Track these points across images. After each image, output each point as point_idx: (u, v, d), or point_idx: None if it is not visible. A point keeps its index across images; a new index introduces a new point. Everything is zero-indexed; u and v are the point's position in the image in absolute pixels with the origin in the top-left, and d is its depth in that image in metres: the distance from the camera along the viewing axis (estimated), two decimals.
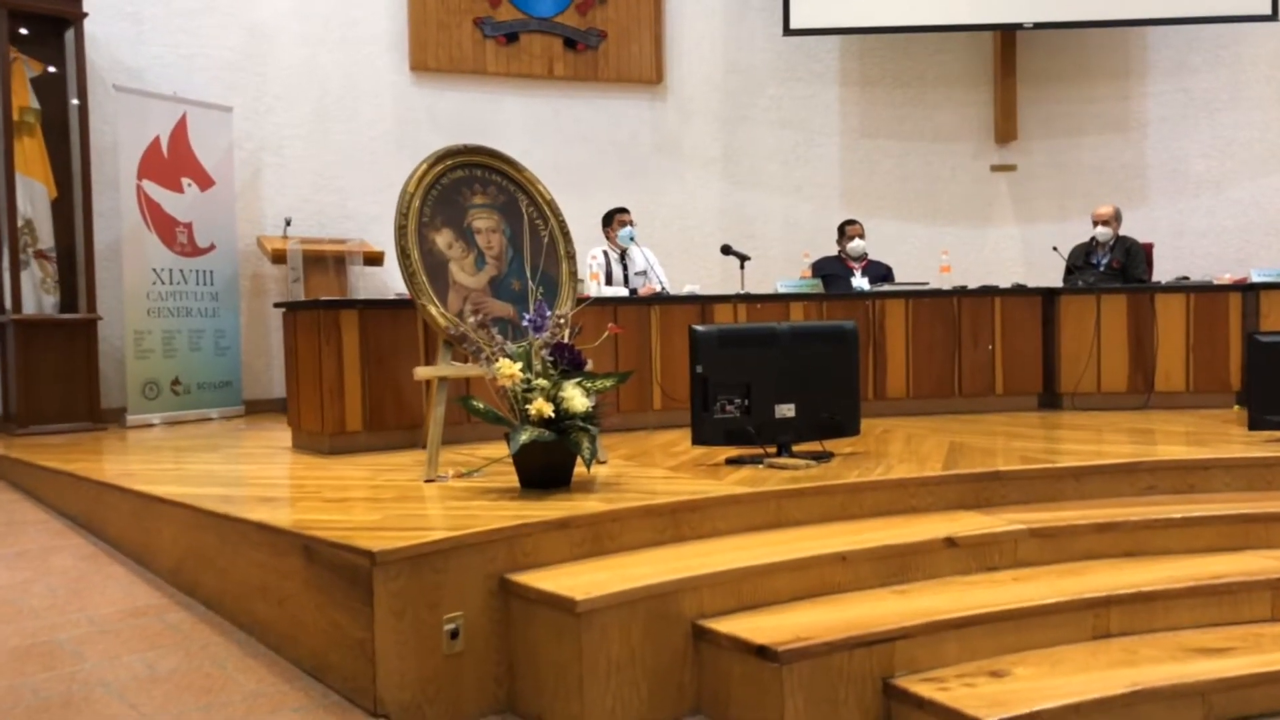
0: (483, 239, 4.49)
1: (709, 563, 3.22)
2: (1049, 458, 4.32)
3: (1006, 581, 3.51)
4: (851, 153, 8.97)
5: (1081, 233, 7.37)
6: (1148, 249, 7.21)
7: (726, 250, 6.54)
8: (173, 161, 6.82)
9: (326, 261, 6.94)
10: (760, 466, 4.25)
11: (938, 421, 5.90)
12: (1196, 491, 4.18)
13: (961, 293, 6.37)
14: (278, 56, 7.63)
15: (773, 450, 4.40)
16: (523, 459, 3.84)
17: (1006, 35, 8.73)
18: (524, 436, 3.62)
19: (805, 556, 3.32)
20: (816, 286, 6.25)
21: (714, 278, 8.32)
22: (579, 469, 3.83)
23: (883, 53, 8.97)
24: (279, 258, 7.08)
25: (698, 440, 4.33)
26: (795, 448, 4.45)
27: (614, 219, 6.60)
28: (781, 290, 6.20)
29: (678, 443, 5.08)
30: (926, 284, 6.48)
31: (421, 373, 4.14)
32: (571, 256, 4.68)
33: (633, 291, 6.37)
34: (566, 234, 4.70)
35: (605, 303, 5.84)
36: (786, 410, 4.40)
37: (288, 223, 7.31)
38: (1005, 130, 8.89)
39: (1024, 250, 9.04)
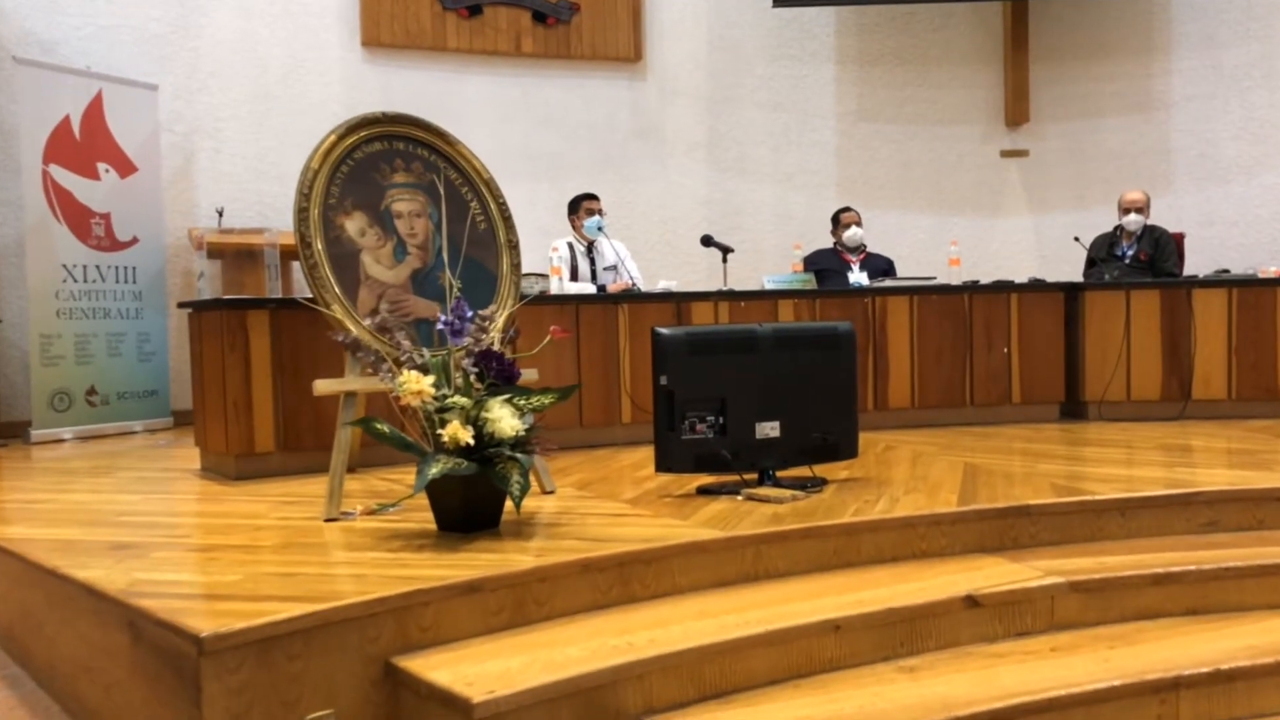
0: (404, 224, 3.75)
1: (662, 638, 2.48)
2: (1085, 486, 3.57)
3: (1043, 652, 2.77)
4: (848, 138, 8.26)
5: (1101, 223, 6.66)
6: (1178, 239, 6.47)
7: (707, 241, 5.80)
8: (86, 144, 6.07)
9: (260, 256, 6.19)
10: (738, 498, 3.51)
11: (947, 436, 5.15)
12: (1267, 528, 3.45)
13: (973, 289, 5.63)
14: (211, 30, 6.89)
15: (753, 478, 3.66)
16: (437, 496, 3.10)
17: (1017, 8, 8.04)
18: (434, 469, 2.88)
19: (788, 626, 2.58)
20: (809, 282, 5.51)
21: (698, 274, 7.61)
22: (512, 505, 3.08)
23: (882, 28, 8.26)
24: (210, 252, 6.33)
25: (662, 467, 3.59)
26: (781, 474, 3.72)
27: (580, 207, 5.86)
28: (769, 286, 5.46)
29: (646, 464, 4.32)
30: (933, 279, 5.74)
31: (321, 387, 3.40)
32: (514, 246, 3.93)
33: (601, 288, 5.63)
34: (508, 219, 3.96)
35: (567, 301, 5.10)
36: (770, 430, 3.67)
37: (220, 213, 6.56)
38: (1016, 112, 8.20)
39: (1037, 243, 8.32)
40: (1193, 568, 3.07)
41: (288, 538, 3.07)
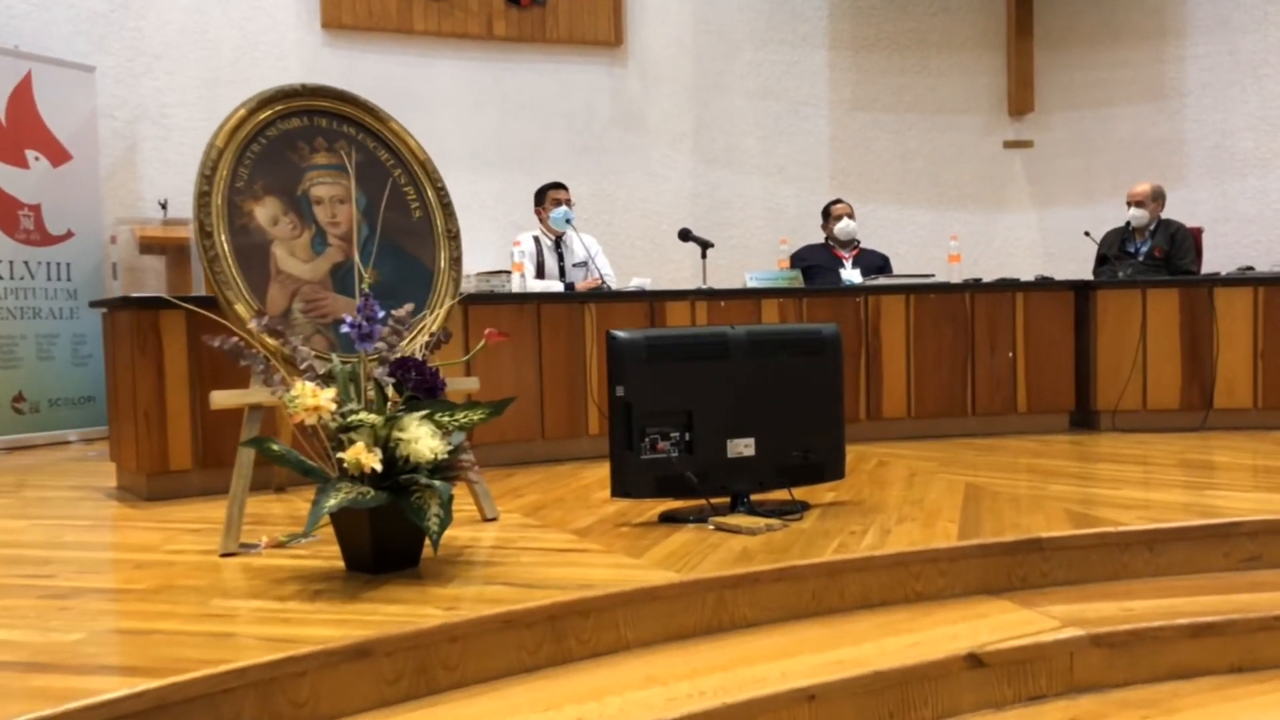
0: (324, 212, 3.28)
1: (594, 715, 2.01)
2: (1104, 514, 3.10)
3: None
4: (843, 128, 7.79)
5: (1110, 218, 6.19)
6: (1196, 235, 6.00)
7: (685, 236, 5.33)
8: (13, 130, 5.60)
9: None
10: (707, 527, 3.04)
11: (947, 449, 4.68)
12: None
13: (975, 287, 5.16)
14: (157, 9, 6.41)
15: (724, 503, 3.19)
16: (343, 531, 2.63)
17: None
18: (331, 502, 2.41)
19: (753, 698, 2.11)
20: (796, 280, 5.04)
21: (682, 272, 7.14)
22: (447, 535, 2.59)
23: (879, 11, 7.79)
24: (149, 247, 5.87)
25: (618, 491, 3.12)
26: (756, 498, 3.25)
27: (545, 197, 5.38)
28: (752, 284, 4.98)
29: (608, 483, 3.86)
30: (931, 276, 5.27)
31: (219, 399, 2.93)
32: (454, 237, 3.46)
33: (569, 286, 5.16)
34: (448, 207, 3.48)
35: (527, 300, 4.63)
36: (743, 448, 3.19)
37: (164, 205, 6.09)
38: (1021, 101, 7.75)
39: (1042, 239, 7.85)
40: (1237, 616, 2.60)
41: (169, 578, 2.60)
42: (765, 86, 7.70)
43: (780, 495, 3.30)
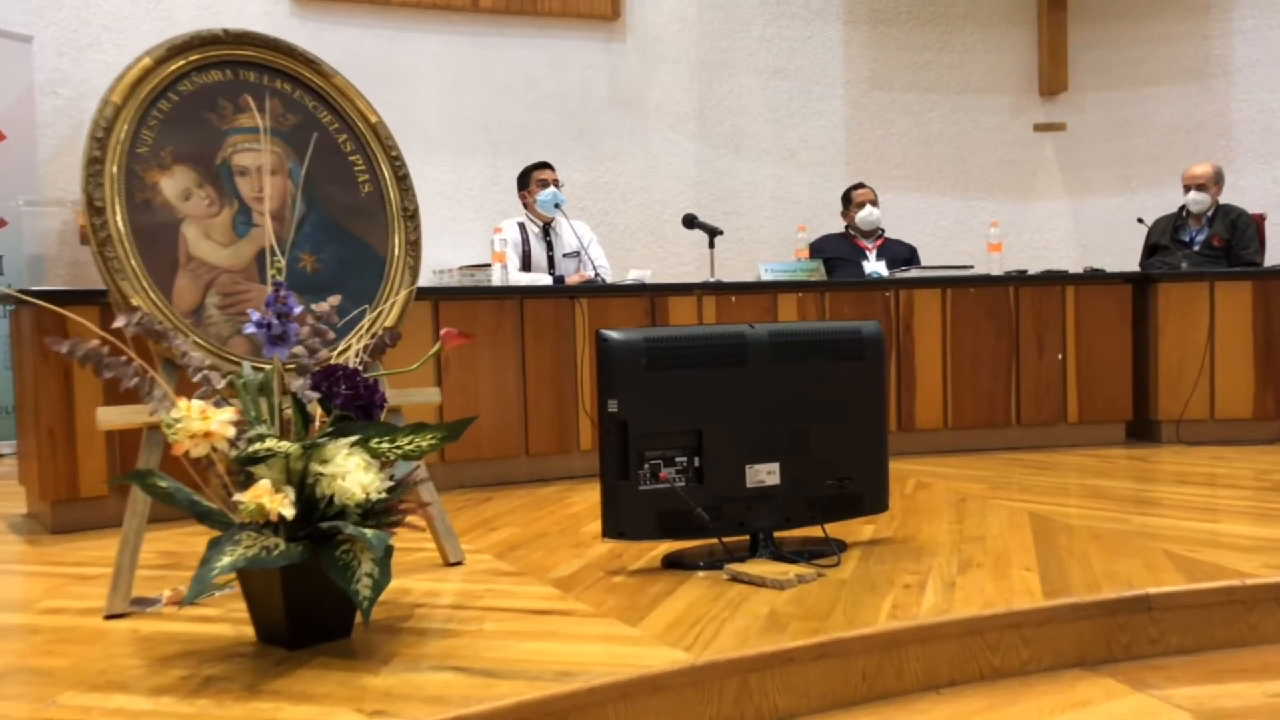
0: (249, 185, 2.66)
1: None
2: (1218, 559, 2.49)
3: None
4: (859, 109, 7.17)
5: (1149, 207, 5.62)
6: (1258, 222, 5.38)
7: (690, 223, 4.73)
8: None
9: None
10: (722, 575, 2.44)
11: (992, 466, 4.07)
12: None
13: (1020, 280, 4.55)
14: None
15: (742, 542, 2.58)
16: (251, 593, 2.02)
17: None
18: (226, 559, 1.81)
19: None
20: (816, 271, 4.43)
21: (686, 266, 6.54)
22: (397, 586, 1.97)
23: None
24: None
25: (611, 532, 2.51)
26: (781, 535, 2.64)
27: (531, 178, 4.78)
28: (767, 277, 4.37)
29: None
30: (971, 267, 4.66)
31: (105, 418, 2.32)
32: (411, 216, 2.84)
33: (558, 279, 4.55)
34: (404, 180, 2.87)
35: (509, 295, 4.02)
36: (766, 475, 2.59)
37: None
38: (1053, 80, 7.13)
39: (1075, 229, 7.24)
40: None
41: (22, 654, 1.99)
42: (775, 64, 7.09)
43: (811, 531, 2.69)
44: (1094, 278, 4.64)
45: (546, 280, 4.51)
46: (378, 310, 2.65)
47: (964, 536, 2.81)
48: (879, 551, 2.67)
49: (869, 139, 7.17)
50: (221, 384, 2.02)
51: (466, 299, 3.93)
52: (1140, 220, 5.30)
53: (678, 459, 2.53)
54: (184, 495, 1.98)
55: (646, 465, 2.50)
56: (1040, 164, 7.27)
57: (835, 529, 2.73)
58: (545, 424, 3.99)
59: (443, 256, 5.79)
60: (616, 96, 6.84)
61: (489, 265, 4.26)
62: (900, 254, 5.27)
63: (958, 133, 7.22)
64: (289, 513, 1.85)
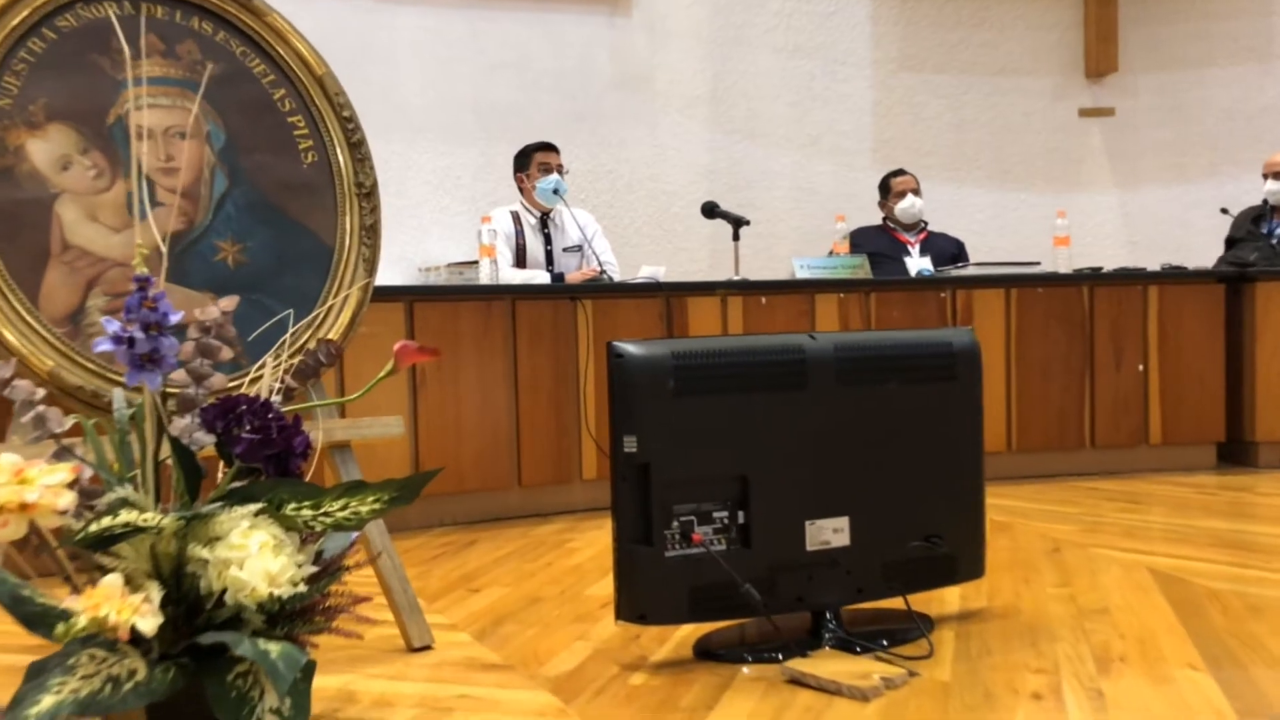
0: (153, 151, 2.03)
1: None
2: None
3: None
4: (888, 91, 6.59)
5: (1206, 199, 5.10)
6: None
7: (711, 211, 4.14)
8: None
9: None
10: (779, 670, 1.81)
11: (1073, 499, 3.44)
12: None
13: (1095, 278, 3.92)
14: None
15: (799, 620, 1.95)
16: None
17: None
18: (44, 703, 1.17)
19: None
20: (861, 268, 3.80)
21: (697, 263, 5.94)
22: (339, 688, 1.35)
23: None
24: None
25: (629, 613, 1.87)
26: (851, 609, 2.01)
27: (531, 160, 4.17)
28: (802, 274, 3.75)
29: (610, 554, 2.64)
30: (1038, 264, 4.03)
31: None
32: (367, 194, 2.21)
33: (558, 277, 3.92)
34: (358, 147, 2.23)
35: (499, 294, 3.40)
36: (831, 533, 1.96)
37: None
38: (1100, 60, 6.56)
39: (1125, 224, 6.64)
40: None
41: None
42: (796, 42, 6.51)
43: (891, 603, 2.05)
44: (1181, 276, 4.02)
45: (544, 278, 3.88)
46: (316, 316, 2.02)
47: (1081, 608, 2.18)
48: (978, 632, 2.04)
49: (898, 124, 6.58)
50: (65, 425, 1.39)
51: (448, 299, 3.31)
52: (1224, 211, 4.69)
53: (716, 514, 1.90)
54: (5, 588, 1.35)
55: (675, 524, 1.86)
56: (1086, 152, 6.69)
57: (916, 599, 2.09)
58: (541, 449, 3.36)
59: (429, 252, 5.25)
60: (621, 76, 6.25)
61: (476, 263, 3.65)
62: (947, 249, 4.65)
63: (995, 118, 6.64)
64: (148, 627, 1.22)
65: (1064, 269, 4.02)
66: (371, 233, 2.20)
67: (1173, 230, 5.97)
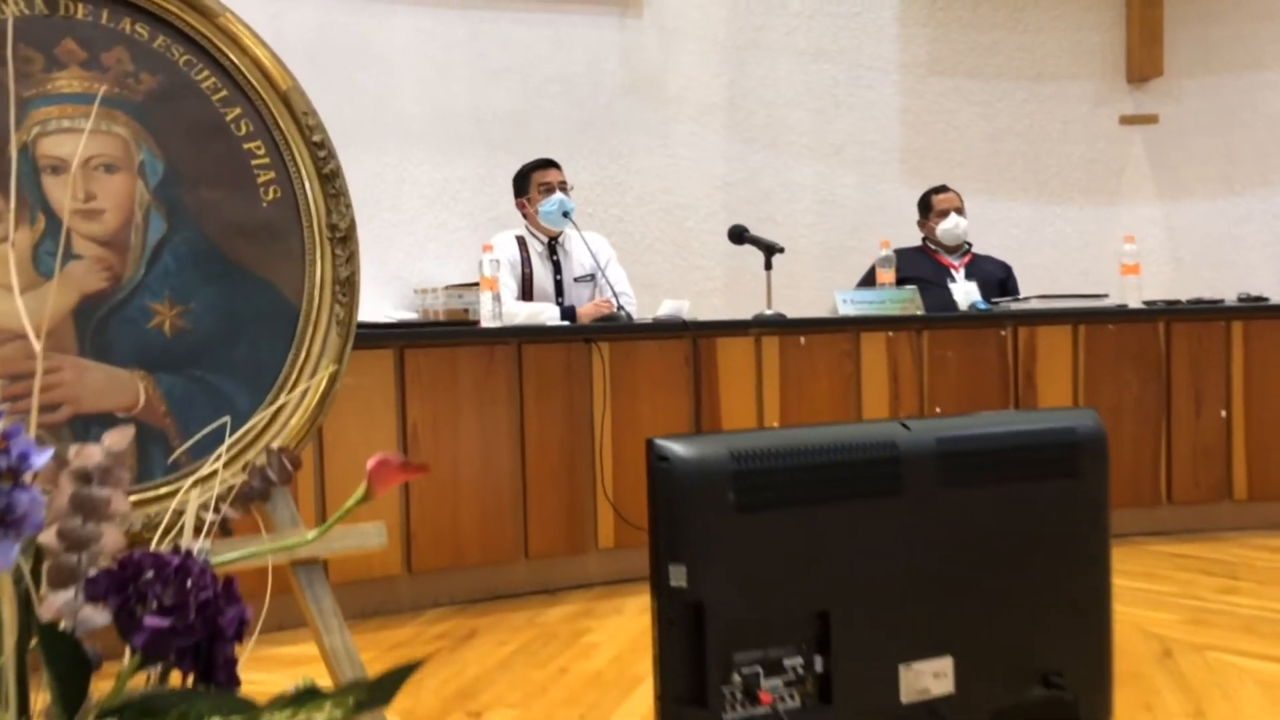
0: (67, 188, 1.61)
1: None
2: None
3: None
4: (916, 98, 6.30)
5: (1256, 213, 4.82)
6: None
7: (740, 236, 3.72)
8: None
9: None
10: None
11: (1159, 571, 3.03)
12: None
13: (1172, 312, 3.51)
14: None
15: None
16: None
17: None
18: None
19: None
20: (912, 303, 3.39)
21: (713, 283, 5.61)
22: None
23: None
24: None
25: None
26: None
27: (530, 181, 3.77)
28: (845, 310, 3.34)
29: (636, 656, 2.24)
30: (1105, 296, 3.62)
31: None
32: (343, 241, 1.79)
33: (569, 310, 3.50)
34: (333, 182, 1.81)
35: (502, 338, 2.98)
36: (932, 678, 1.54)
37: None
38: (1144, 64, 6.27)
39: (1169, 240, 6.30)
40: None
41: None
42: (818, 45, 6.23)
43: None
44: (1268, 309, 3.60)
45: (553, 312, 3.47)
46: (276, 407, 1.59)
47: None
48: None
49: (927, 133, 6.27)
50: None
51: (444, 344, 2.90)
52: None
53: (788, 663, 1.48)
54: None
55: (737, 678, 1.45)
56: (1128, 162, 6.39)
57: None
58: (551, 515, 2.94)
59: (426, 272, 4.92)
60: (631, 82, 5.94)
61: (476, 284, 3.26)
62: (995, 274, 4.25)
63: (1030, 125, 6.34)
64: None
65: (1133, 302, 3.61)
66: (347, 287, 1.78)
67: (1221, 246, 5.65)
